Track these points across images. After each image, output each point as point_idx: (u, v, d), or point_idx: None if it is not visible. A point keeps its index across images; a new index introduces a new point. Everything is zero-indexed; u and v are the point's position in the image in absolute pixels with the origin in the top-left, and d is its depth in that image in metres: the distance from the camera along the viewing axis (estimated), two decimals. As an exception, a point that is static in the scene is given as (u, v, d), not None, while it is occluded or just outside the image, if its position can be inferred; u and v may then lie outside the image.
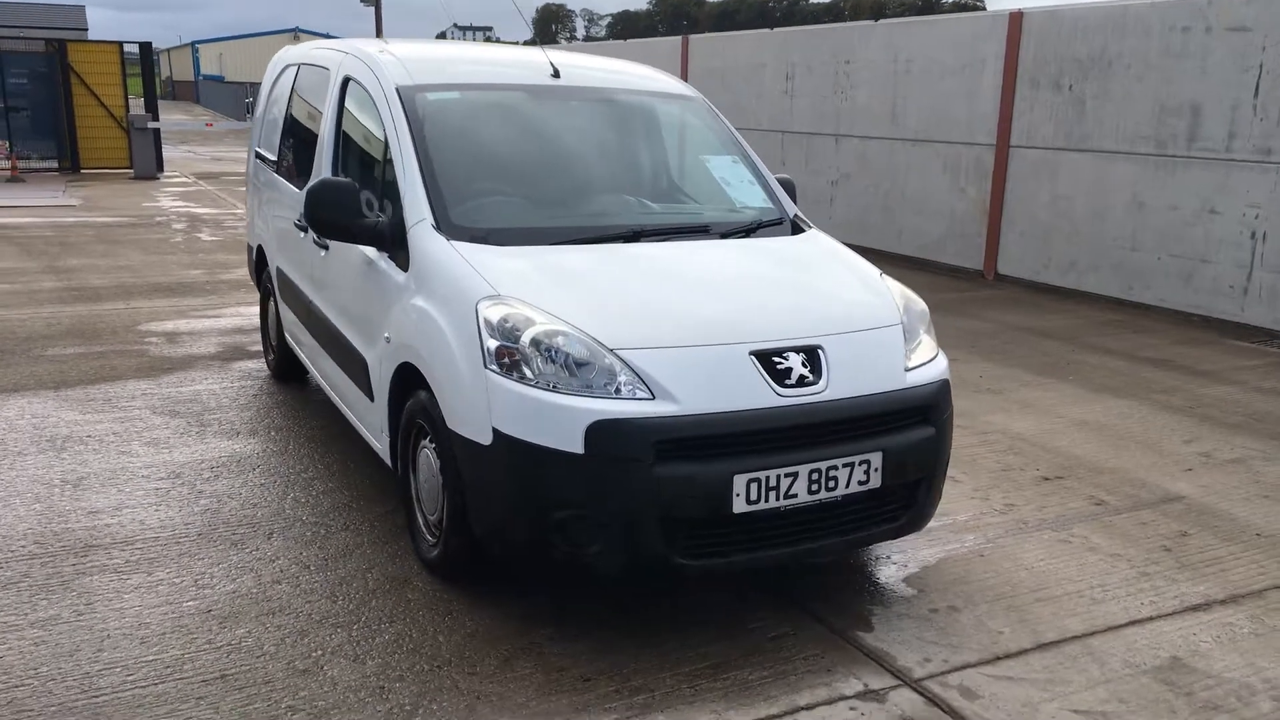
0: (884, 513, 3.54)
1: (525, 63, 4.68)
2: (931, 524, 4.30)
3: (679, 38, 15.44)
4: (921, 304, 3.94)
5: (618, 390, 3.15)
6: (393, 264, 3.89)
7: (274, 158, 5.81)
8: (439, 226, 3.74)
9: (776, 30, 13.57)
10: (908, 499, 3.58)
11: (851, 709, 3.03)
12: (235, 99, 46.54)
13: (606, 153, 4.50)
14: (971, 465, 5.10)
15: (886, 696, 3.11)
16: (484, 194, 4.06)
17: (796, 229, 4.38)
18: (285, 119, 5.67)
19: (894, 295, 3.85)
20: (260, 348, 6.68)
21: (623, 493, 3.09)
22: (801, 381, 3.31)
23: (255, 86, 41.96)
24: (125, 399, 5.69)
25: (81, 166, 19.22)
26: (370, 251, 4.06)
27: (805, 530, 3.36)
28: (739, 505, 3.16)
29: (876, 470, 3.39)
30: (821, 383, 3.34)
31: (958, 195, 10.97)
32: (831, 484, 3.30)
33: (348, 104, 4.66)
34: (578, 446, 3.07)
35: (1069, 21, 9.60)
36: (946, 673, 3.24)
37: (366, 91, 4.41)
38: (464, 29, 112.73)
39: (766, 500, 3.20)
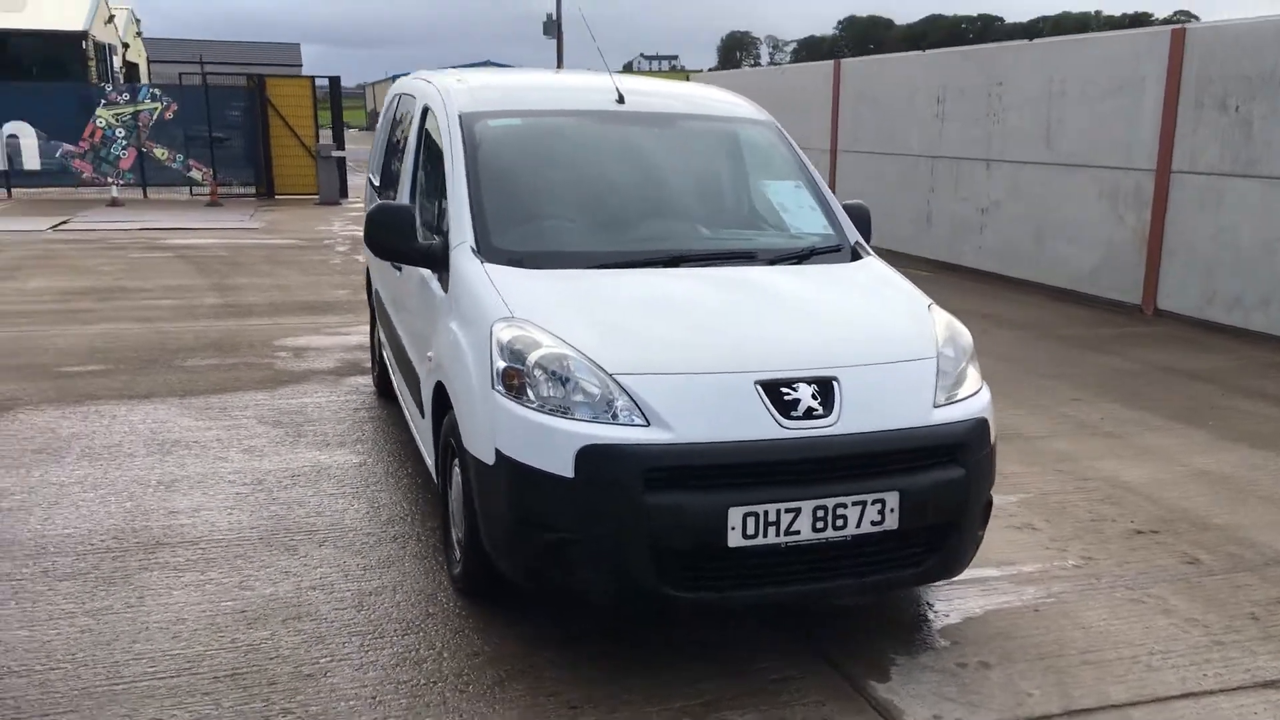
0: (904, 557, 3.37)
1: (593, 88, 4.73)
2: (992, 573, 4.09)
3: (831, 62, 15.24)
4: (966, 337, 3.73)
5: (615, 416, 3.13)
6: (439, 285, 4.01)
7: (377, 183, 6.10)
8: (479, 248, 3.83)
9: (928, 52, 13.19)
10: (933, 543, 3.39)
11: (836, 756, 2.90)
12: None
13: (662, 178, 4.49)
14: (1058, 513, 4.78)
15: (878, 748, 2.95)
16: (531, 217, 4.14)
17: (856, 256, 4.25)
18: (385, 145, 5.96)
19: (937, 327, 3.67)
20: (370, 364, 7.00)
21: (611, 519, 3.06)
22: (810, 414, 3.19)
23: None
24: (238, 408, 6.08)
25: (275, 192, 20.65)
26: (425, 272, 4.20)
27: (812, 570, 3.24)
28: (734, 539, 3.07)
29: (893, 511, 3.23)
30: (832, 416, 3.21)
31: (1115, 224, 10.32)
32: (840, 523, 3.17)
33: (426, 131, 4.85)
34: (568, 470, 3.07)
35: (1235, 37, 8.90)
36: (954, 732, 3.04)
37: (437, 119, 4.58)
38: (650, 58, 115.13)
39: (765, 535, 3.10)
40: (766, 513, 3.09)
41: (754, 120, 4.87)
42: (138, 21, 49.04)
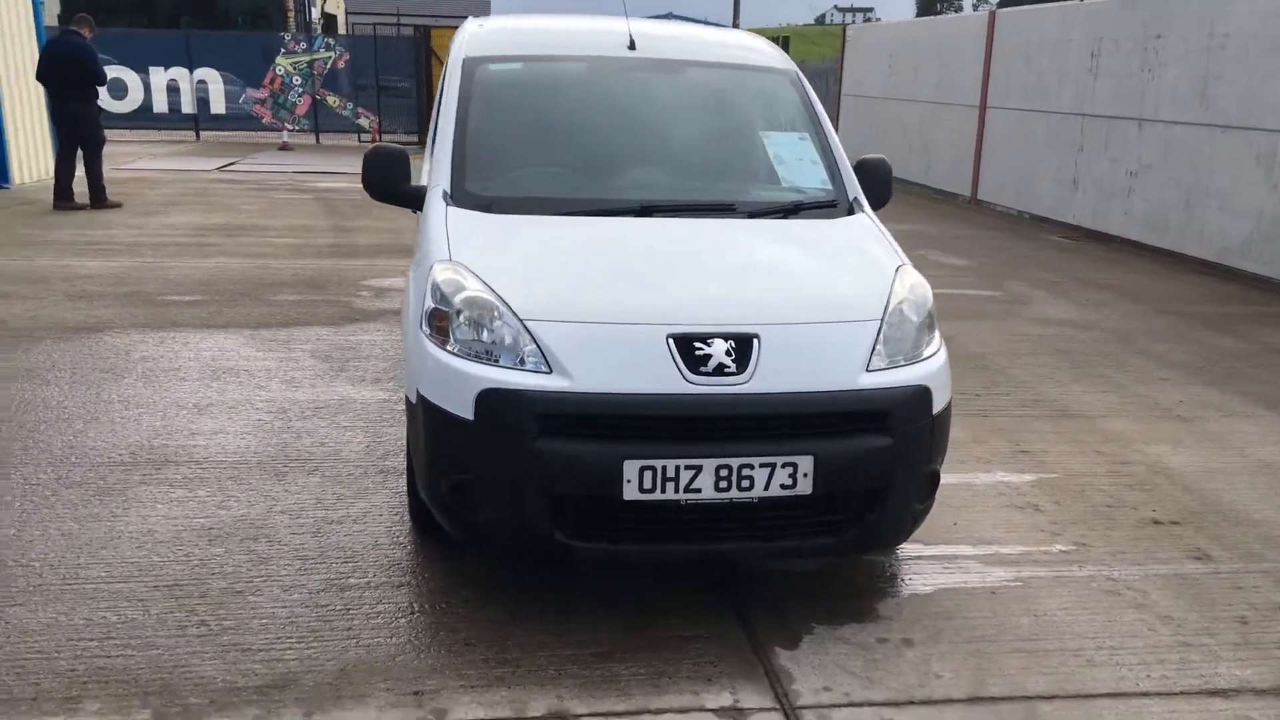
0: (821, 524, 3.25)
1: (611, 32, 4.64)
2: (966, 550, 3.90)
3: (985, 13, 14.40)
4: (927, 303, 3.51)
5: (521, 361, 3.13)
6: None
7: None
8: (451, 193, 3.88)
9: (1086, 1, 12.27)
10: (855, 513, 3.25)
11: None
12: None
13: (656, 126, 4.40)
14: (1074, 497, 4.46)
15: (749, 718, 2.87)
16: (512, 163, 4.15)
17: (851, 212, 4.06)
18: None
19: (896, 289, 3.47)
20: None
21: (506, 464, 3.08)
22: (720, 370, 3.10)
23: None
24: (299, 342, 6.41)
25: (436, 139, 21.39)
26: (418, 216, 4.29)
27: (716, 530, 3.17)
28: (630, 492, 3.03)
29: (806, 476, 3.11)
30: (745, 374, 3.11)
31: (1269, 192, 9.39)
32: (746, 484, 3.08)
33: (444, 77, 4.91)
34: (469, 413, 3.11)
35: None
36: (837, 706, 2.93)
37: (448, 65, 4.64)
38: (844, 10, 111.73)
39: (663, 491, 3.04)
40: (665, 468, 3.03)
41: (770, 69, 4.68)
42: (338, -25, 51.43)
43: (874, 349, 3.29)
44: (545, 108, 4.37)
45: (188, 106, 20.15)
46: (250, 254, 9.15)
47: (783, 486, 3.11)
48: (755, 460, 3.08)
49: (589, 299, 3.27)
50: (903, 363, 3.33)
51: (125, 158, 16.06)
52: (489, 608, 3.39)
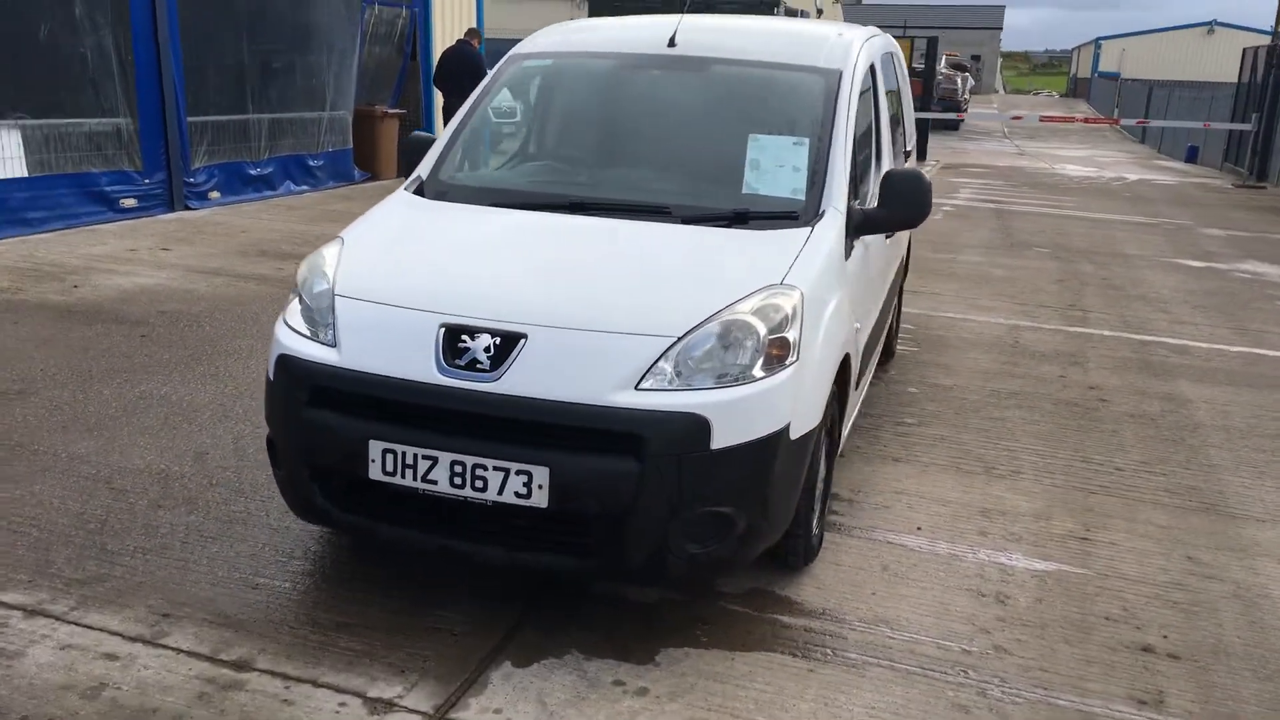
0: (562, 543, 3.04)
1: (664, 28, 4.50)
2: (851, 621, 3.38)
3: None
4: (758, 331, 3.08)
5: (325, 331, 3.30)
6: None
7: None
8: (426, 179, 4.09)
9: None
10: (601, 537, 2.99)
11: (342, 704, 2.84)
12: (1130, 96, 42.13)
13: (649, 124, 4.23)
14: (1074, 598, 3.59)
15: (388, 715, 2.81)
16: (497, 154, 4.27)
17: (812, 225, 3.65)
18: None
19: (725, 309, 3.10)
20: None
21: (282, 425, 3.29)
22: (473, 366, 3.03)
23: (1155, 84, 38.30)
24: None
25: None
26: None
27: (454, 527, 3.11)
28: (375, 472, 3.09)
29: (541, 488, 2.94)
30: (496, 373, 3.01)
31: None
32: (479, 484, 2.99)
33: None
34: (272, 374, 3.35)
35: None
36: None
37: (509, 63, 4.83)
38: None
39: (403, 477, 3.06)
40: (404, 454, 3.05)
41: (811, 68, 4.24)
42: (836, -12, 52.64)
43: (652, 367, 2.99)
44: (549, 102, 4.44)
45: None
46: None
47: (517, 494, 2.96)
48: (490, 462, 2.97)
49: (396, 282, 3.34)
50: (692, 387, 2.99)
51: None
52: (293, 562, 3.57)
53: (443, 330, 3.11)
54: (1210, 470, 4.86)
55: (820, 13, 46.87)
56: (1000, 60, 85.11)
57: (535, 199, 3.89)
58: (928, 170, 19.00)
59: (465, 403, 3.01)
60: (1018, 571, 3.77)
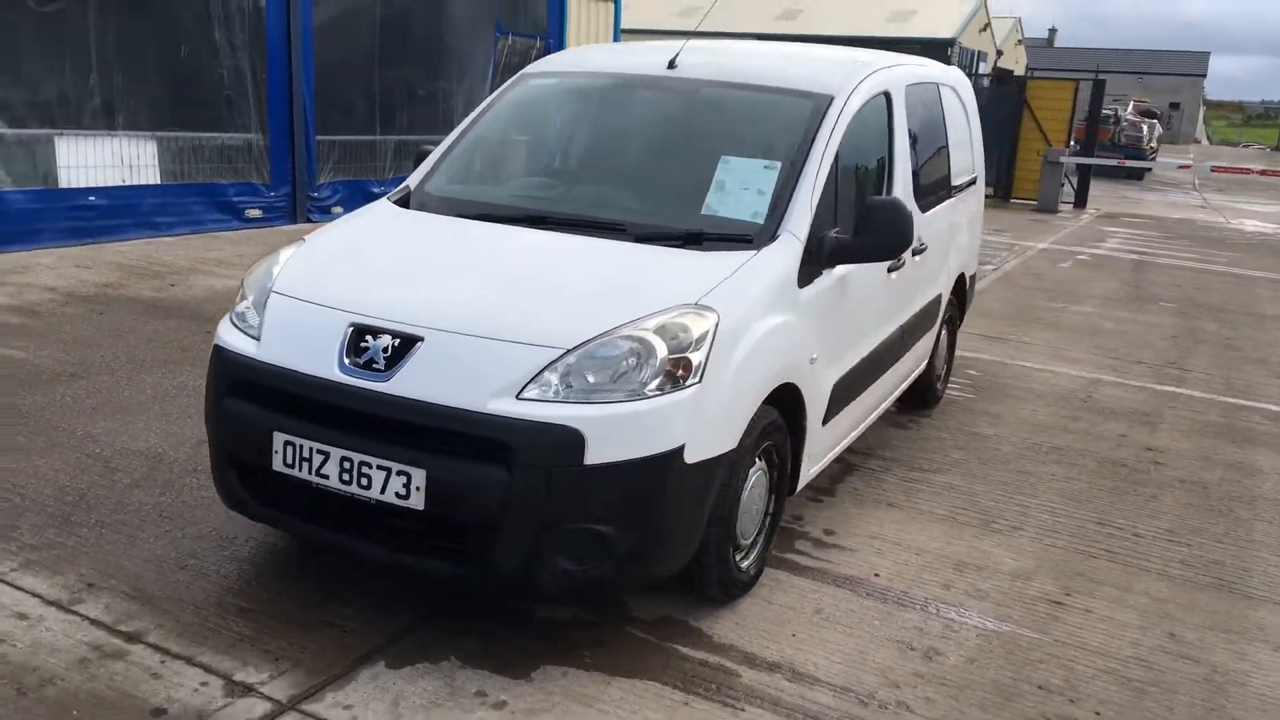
0: (441, 548, 3.04)
1: (667, 51, 4.50)
2: (752, 660, 3.25)
3: None
4: (659, 356, 3.00)
5: (256, 326, 3.42)
6: None
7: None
8: (414, 189, 4.22)
9: None
10: (479, 547, 2.97)
11: (204, 683, 2.92)
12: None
13: (627, 143, 4.21)
14: (1010, 659, 3.31)
15: (243, 696, 2.87)
16: (483, 168, 4.36)
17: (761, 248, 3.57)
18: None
19: (628, 324, 3.05)
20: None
21: (208, 414, 3.44)
22: (370, 365, 3.09)
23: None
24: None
25: (1011, 196, 20.45)
26: None
27: (343, 523, 3.16)
28: (277, 463, 3.18)
29: (419, 490, 2.97)
30: (389, 374, 3.05)
31: None
32: (364, 482, 3.04)
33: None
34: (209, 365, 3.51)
35: None
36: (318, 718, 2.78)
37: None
38: None
39: (300, 469, 3.14)
40: (301, 447, 3.13)
41: (805, 93, 4.12)
42: (1020, 31, 51.09)
43: (536, 377, 2.96)
44: (540, 119, 4.49)
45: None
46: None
47: (397, 495, 2.99)
48: (375, 461, 3.02)
49: (325, 282, 3.43)
50: (574, 400, 2.94)
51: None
52: (232, 548, 3.69)
53: (350, 329, 3.18)
54: (1246, 546, 4.40)
55: (1000, 54, 45.51)
56: (1204, 109, 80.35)
57: (496, 210, 3.93)
58: (1083, 220, 18.07)
59: (357, 401, 3.07)
60: (964, 629, 3.52)
